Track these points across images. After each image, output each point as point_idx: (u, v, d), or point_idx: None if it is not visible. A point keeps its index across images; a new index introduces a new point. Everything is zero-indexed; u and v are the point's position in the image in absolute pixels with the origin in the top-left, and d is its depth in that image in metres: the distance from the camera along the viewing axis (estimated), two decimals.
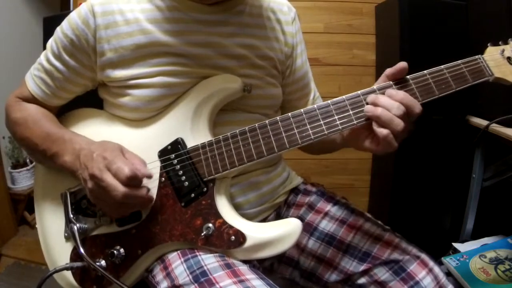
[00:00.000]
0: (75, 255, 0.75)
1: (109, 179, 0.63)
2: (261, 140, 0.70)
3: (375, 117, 0.65)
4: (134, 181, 0.64)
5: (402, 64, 0.68)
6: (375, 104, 0.66)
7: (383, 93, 0.67)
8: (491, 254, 1.26)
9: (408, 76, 0.69)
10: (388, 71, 0.69)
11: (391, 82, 0.69)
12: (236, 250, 0.68)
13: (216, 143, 0.72)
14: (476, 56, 0.71)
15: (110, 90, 0.79)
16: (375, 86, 0.69)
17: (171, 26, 0.75)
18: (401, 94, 0.66)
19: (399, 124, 0.64)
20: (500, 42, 0.74)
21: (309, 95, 0.97)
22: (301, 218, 0.88)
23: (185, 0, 0.76)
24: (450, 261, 1.27)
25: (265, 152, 0.69)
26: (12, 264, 1.96)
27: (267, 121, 0.70)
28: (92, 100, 0.85)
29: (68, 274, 0.76)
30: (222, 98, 0.76)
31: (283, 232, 0.67)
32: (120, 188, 0.63)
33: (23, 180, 2.32)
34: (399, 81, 0.69)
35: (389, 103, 0.65)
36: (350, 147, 0.78)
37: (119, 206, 0.66)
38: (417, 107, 0.65)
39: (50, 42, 0.79)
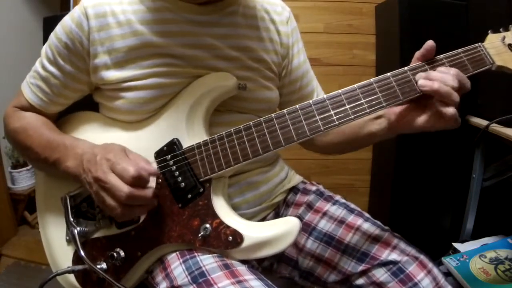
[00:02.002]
0: (77, 258, 0.75)
1: (113, 180, 0.63)
2: (256, 138, 0.69)
3: (433, 91, 0.64)
4: (139, 181, 0.63)
5: (430, 43, 0.67)
6: (429, 79, 0.65)
7: (414, 74, 0.67)
8: (491, 254, 1.26)
9: (406, 68, 0.69)
10: (418, 53, 0.69)
11: (423, 62, 0.69)
12: (234, 250, 0.68)
13: (211, 142, 0.71)
14: (476, 44, 0.69)
15: (104, 94, 0.79)
16: (406, 68, 0.69)
17: (163, 27, 0.75)
18: (453, 69, 0.65)
19: (457, 97, 0.63)
20: (501, 29, 0.72)
21: (310, 96, 0.96)
22: (299, 218, 0.88)
23: (176, 0, 0.76)
24: (450, 261, 1.27)
25: (261, 150, 0.68)
26: (12, 264, 1.96)
27: (262, 119, 0.69)
28: (88, 103, 0.84)
29: (71, 276, 0.76)
30: (216, 97, 0.75)
31: (281, 231, 0.66)
32: (124, 188, 0.62)
33: (23, 180, 2.33)
34: (431, 61, 0.69)
35: (443, 76, 0.64)
36: (398, 133, 0.76)
37: (124, 208, 0.64)
38: (468, 82, 0.65)
39: (45, 48, 0.78)
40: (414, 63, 0.70)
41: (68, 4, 1.91)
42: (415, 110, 0.70)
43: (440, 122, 0.67)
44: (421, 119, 0.68)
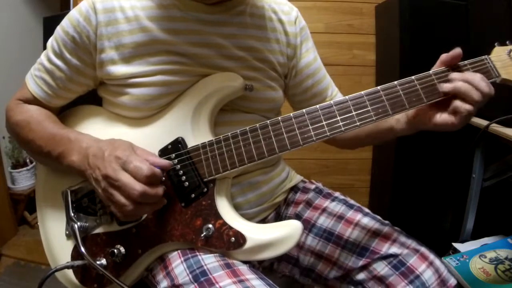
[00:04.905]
0: (76, 254, 0.75)
1: (125, 178, 0.62)
2: (262, 140, 0.69)
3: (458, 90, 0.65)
4: (153, 179, 0.63)
5: (458, 50, 0.68)
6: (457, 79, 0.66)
7: (438, 78, 0.68)
8: (491, 254, 1.26)
9: (413, 77, 0.69)
10: (444, 57, 0.69)
11: (446, 67, 0.69)
12: (236, 251, 0.68)
13: (216, 143, 0.71)
14: (483, 57, 0.70)
15: (109, 89, 0.79)
16: (431, 71, 0.69)
17: (171, 24, 0.75)
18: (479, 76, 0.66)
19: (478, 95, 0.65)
20: (507, 42, 0.72)
21: (324, 93, 0.95)
22: (299, 215, 0.89)
23: None
24: (450, 261, 1.27)
25: (266, 153, 0.69)
26: (12, 264, 1.96)
27: (268, 122, 0.70)
28: (91, 97, 0.84)
29: (70, 272, 0.76)
30: (222, 97, 0.75)
31: (283, 234, 0.67)
32: (137, 187, 0.61)
33: (23, 180, 2.32)
34: (455, 67, 0.69)
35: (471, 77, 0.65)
36: (418, 130, 0.76)
37: (134, 207, 0.62)
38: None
39: (51, 41, 0.78)
40: (438, 66, 0.70)
41: (68, 4, 1.91)
42: (434, 108, 0.70)
43: (456, 120, 0.67)
44: (439, 116, 0.69)
